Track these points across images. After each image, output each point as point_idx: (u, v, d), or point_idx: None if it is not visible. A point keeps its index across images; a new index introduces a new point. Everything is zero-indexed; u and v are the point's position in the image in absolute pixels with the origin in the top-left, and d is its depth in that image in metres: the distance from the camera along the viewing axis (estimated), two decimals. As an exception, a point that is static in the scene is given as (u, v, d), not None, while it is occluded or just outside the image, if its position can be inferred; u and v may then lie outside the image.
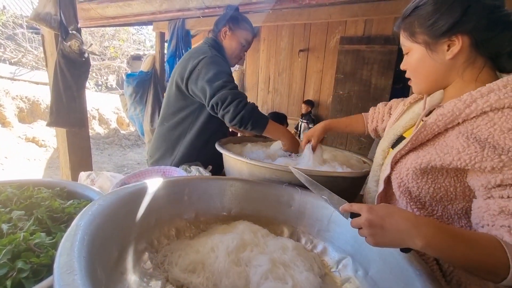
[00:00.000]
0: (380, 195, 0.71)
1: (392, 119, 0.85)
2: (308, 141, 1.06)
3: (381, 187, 0.70)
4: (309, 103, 4.28)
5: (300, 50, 4.42)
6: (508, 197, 0.48)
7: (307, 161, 1.01)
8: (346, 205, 0.56)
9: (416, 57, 0.63)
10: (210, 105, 1.11)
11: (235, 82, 1.17)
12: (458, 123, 0.56)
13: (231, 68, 1.40)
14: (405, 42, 0.65)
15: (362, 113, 1.08)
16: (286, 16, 2.66)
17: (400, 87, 3.61)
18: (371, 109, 1.06)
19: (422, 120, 0.69)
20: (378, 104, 1.05)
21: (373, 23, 3.72)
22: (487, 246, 0.46)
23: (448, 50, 0.58)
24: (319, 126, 1.06)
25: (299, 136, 4.30)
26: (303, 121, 4.30)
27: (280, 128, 1.18)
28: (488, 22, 0.54)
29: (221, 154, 1.04)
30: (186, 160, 1.27)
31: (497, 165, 0.48)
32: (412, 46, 0.63)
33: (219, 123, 1.23)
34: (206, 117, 1.26)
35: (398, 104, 0.94)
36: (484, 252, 0.46)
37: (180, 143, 1.30)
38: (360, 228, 0.51)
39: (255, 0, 2.16)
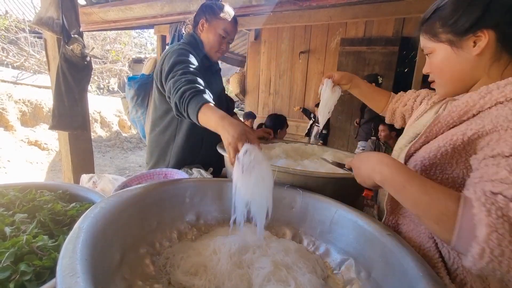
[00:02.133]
0: None
1: (414, 117, 0.84)
2: (329, 77, 1.02)
3: None
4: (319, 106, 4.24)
5: (301, 52, 4.44)
6: (493, 164, 0.45)
7: (327, 97, 1.02)
8: (348, 161, 0.69)
9: (440, 57, 0.62)
10: (167, 99, 1.02)
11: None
12: (473, 115, 0.54)
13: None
14: (427, 43, 0.64)
15: (392, 93, 1.06)
16: (287, 18, 2.67)
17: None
18: (400, 92, 1.04)
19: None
20: (409, 90, 1.02)
21: (374, 24, 3.73)
22: (441, 193, 0.46)
23: (474, 46, 0.57)
24: (347, 73, 1.04)
25: (309, 139, 4.27)
26: (317, 124, 4.24)
27: (215, 118, 0.79)
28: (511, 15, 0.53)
29: (219, 154, 1.03)
30: (181, 163, 1.24)
31: (499, 131, 0.47)
32: (435, 47, 0.63)
33: None
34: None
35: (427, 95, 0.91)
36: (435, 197, 0.46)
37: (171, 147, 1.26)
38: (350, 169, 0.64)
39: (256, 3, 2.17)
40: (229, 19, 1.21)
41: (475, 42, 0.57)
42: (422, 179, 0.50)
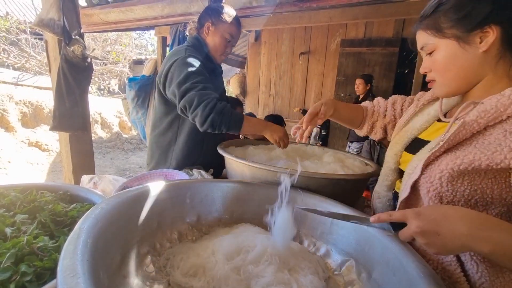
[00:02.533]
0: (405, 201, 0.64)
1: (402, 121, 0.80)
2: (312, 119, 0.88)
3: (406, 192, 0.62)
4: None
5: (301, 53, 4.44)
6: None
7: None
8: (383, 215, 0.52)
9: (445, 54, 0.59)
10: (180, 109, 1.05)
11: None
12: (501, 120, 0.52)
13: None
14: (429, 40, 0.61)
15: (362, 104, 0.99)
16: (287, 20, 2.68)
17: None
18: (368, 103, 0.98)
19: (455, 119, 0.62)
20: (375, 99, 0.98)
21: (374, 25, 3.74)
22: None
23: (481, 43, 0.55)
24: (329, 102, 0.89)
25: (308, 139, 4.28)
26: (316, 126, 4.25)
27: (259, 122, 1.10)
28: None
29: (220, 155, 1.03)
30: (183, 164, 1.24)
31: None
32: (439, 43, 0.60)
33: None
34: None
35: (403, 101, 0.89)
36: None
37: (172, 148, 1.26)
38: (413, 240, 0.46)
39: (256, 4, 2.18)
40: (235, 23, 1.22)
41: (481, 38, 0.55)
42: None
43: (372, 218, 0.53)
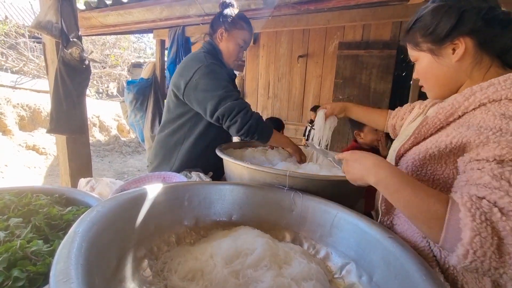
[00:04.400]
0: None
1: (408, 120, 0.87)
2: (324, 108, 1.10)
3: None
4: (316, 109, 4.23)
5: (299, 56, 4.45)
6: (478, 169, 0.48)
7: (319, 127, 1.09)
8: (339, 154, 0.69)
9: (424, 65, 0.66)
10: (215, 117, 1.08)
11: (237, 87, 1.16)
12: (459, 116, 0.57)
13: (234, 71, 1.39)
14: (411, 52, 0.69)
15: (389, 110, 1.11)
16: (285, 22, 2.69)
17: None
18: (398, 108, 1.08)
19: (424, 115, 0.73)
20: (405, 104, 1.06)
21: (371, 28, 3.76)
22: (431, 197, 0.49)
23: (453, 54, 0.60)
24: (340, 103, 1.11)
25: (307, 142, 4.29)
26: (313, 128, 4.25)
27: (284, 137, 1.20)
28: (485, 22, 0.57)
29: (222, 160, 1.03)
30: (185, 166, 1.25)
31: (482, 141, 0.49)
32: (418, 55, 0.67)
33: (219, 130, 1.21)
34: (206, 124, 1.23)
35: (421, 103, 0.95)
36: (425, 201, 0.48)
37: (178, 149, 1.27)
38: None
39: (255, 7, 2.19)
40: (247, 28, 1.23)
41: (454, 49, 0.60)
42: (415, 183, 0.52)
43: (336, 156, 0.71)
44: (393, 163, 0.71)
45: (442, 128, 0.60)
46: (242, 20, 1.22)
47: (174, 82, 1.19)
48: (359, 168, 0.60)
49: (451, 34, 0.59)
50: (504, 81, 0.53)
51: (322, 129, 1.10)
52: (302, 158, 1.18)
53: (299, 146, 1.22)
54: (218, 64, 1.18)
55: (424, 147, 0.61)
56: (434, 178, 0.60)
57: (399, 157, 0.69)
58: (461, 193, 0.47)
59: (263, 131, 1.09)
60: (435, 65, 0.64)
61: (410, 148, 0.66)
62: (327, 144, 1.10)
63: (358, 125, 1.80)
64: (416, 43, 0.66)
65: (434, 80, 0.67)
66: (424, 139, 0.63)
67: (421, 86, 0.73)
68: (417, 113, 0.84)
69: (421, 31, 0.63)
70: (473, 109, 0.55)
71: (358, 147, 1.90)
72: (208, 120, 1.15)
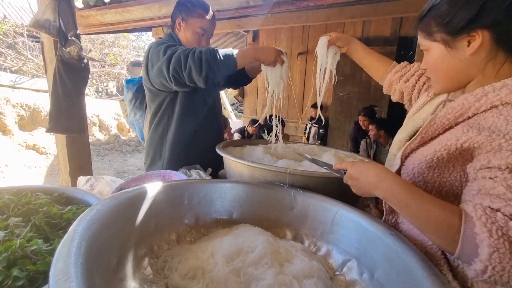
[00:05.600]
0: None
1: (413, 109, 0.81)
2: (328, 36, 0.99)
3: None
4: (317, 106, 4.19)
5: (299, 53, 4.44)
6: (490, 178, 0.46)
7: (321, 55, 1.00)
8: (337, 164, 0.67)
9: (435, 56, 0.62)
10: (173, 79, 1.00)
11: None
12: (468, 117, 0.54)
13: None
14: (423, 41, 0.64)
15: (394, 61, 0.99)
16: (285, 19, 2.67)
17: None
18: (403, 63, 0.97)
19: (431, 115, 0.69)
20: (415, 63, 0.94)
21: (372, 24, 3.74)
22: (443, 209, 0.48)
23: (468, 46, 0.56)
24: (346, 35, 1.00)
25: (307, 140, 4.28)
26: (314, 125, 4.23)
27: (248, 49, 1.08)
28: (507, 15, 0.52)
29: (214, 149, 1.02)
30: (176, 158, 1.22)
31: (494, 147, 0.47)
32: (430, 45, 0.63)
33: (198, 113, 1.17)
34: (181, 109, 1.19)
35: (426, 79, 0.88)
36: (438, 214, 0.48)
37: (164, 142, 1.24)
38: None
39: (254, 4, 2.17)
40: (205, 16, 1.18)
41: (469, 42, 0.56)
42: (424, 196, 0.51)
43: (334, 166, 0.68)
44: (397, 160, 0.68)
45: (450, 128, 0.58)
46: (199, 7, 1.17)
47: (143, 76, 1.18)
48: (365, 182, 0.59)
49: (469, 25, 0.55)
50: None
51: (324, 56, 1.00)
52: (280, 61, 1.06)
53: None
54: (167, 40, 1.15)
55: (432, 150, 0.58)
56: (441, 181, 0.59)
57: (405, 157, 0.66)
58: (474, 205, 0.46)
59: (223, 59, 0.98)
60: (447, 57, 0.60)
61: (417, 148, 0.64)
62: (335, 76, 0.98)
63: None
64: (429, 32, 0.61)
65: (443, 72, 0.63)
66: (431, 139, 0.61)
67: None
68: (424, 101, 0.78)
69: (437, 19, 0.59)
70: (484, 110, 0.52)
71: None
72: (182, 104, 1.12)
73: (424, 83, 0.87)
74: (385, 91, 1.00)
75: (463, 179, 0.56)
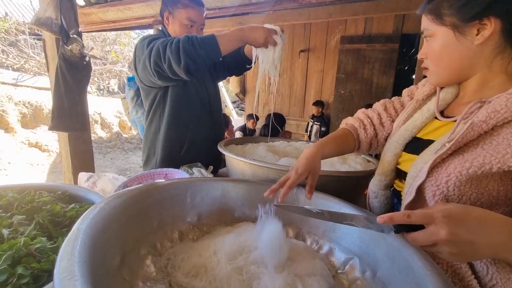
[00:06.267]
0: (409, 204, 0.62)
1: (401, 118, 0.75)
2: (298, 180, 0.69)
3: (411, 196, 0.60)
4: (319, 104, 4.16)
5: (301, 51, 4.42)
6: None
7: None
8: (398, 216, 0.42)
9: (441, 42, 0.58)
10: (156, 72, 0.97)
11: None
12: (510, 120, 0.50)
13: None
14: (429, 25, 0.59)
15: (344, 126, 0.86)
16: (286, 16, 2.66)
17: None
18: (351, 121, 0.85)
19: (463, 119, 0.57)
20: (374, 105, 0.86)
21: (374, 21, 3.71)
22: None
23: (477, 35, 0.53)
24: (315, 157, 0.72)
25: (309, 138, 4.27)
26: (316, 123, 4.22)
27: (233, 31, 0.96)
28: None
29: (211, 144, 1.01)
30: (170, 153, 1.21)
31: None
32: (437, 30, 0.58)
33: (190, 109, 1.16)
34: (172, 105, 1.18)
35: (392, 103, 0.83)
36: None
37: (158, 137, 1.24)
38: (432, 245, 0.40)
39: (255, 1, 2.16)
40: (191, 6, 1.15)
41: (478, 31, 0.53)
42: None
43: (380, 219, 0.44)
44: (421, 173, 0.58)
45: (486, 133, 0.52)
46: None
47: (134, 73, 1.18)
48: (485, 247, 0.38)
49: (485, 12, 0.51)
50: None
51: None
52: (271, 41, 0.95)
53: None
54: (157, 35, 1.13)
55: (478, 162, 0.50)
56: (478, 192, 0.53)
57: (431, 168, 0.57)
58: None
59: (203, 45, 0.92)
60: (455, 44, 0.56)
61: (447, 157, 0.55)
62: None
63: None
64: (438, 15, 0.57)
65: (447, 61, 0.58)
66: (464, 145, 0.54)
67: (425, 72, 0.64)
68: (412, 107, 0.73)
69: (451, 1, 0.55)
70: None
71: None
72: (172, 99, 1.10)
73: (395, 109, 0.82)
74: (362, 153, 0.97)
75: (500, 187, 0.51)
